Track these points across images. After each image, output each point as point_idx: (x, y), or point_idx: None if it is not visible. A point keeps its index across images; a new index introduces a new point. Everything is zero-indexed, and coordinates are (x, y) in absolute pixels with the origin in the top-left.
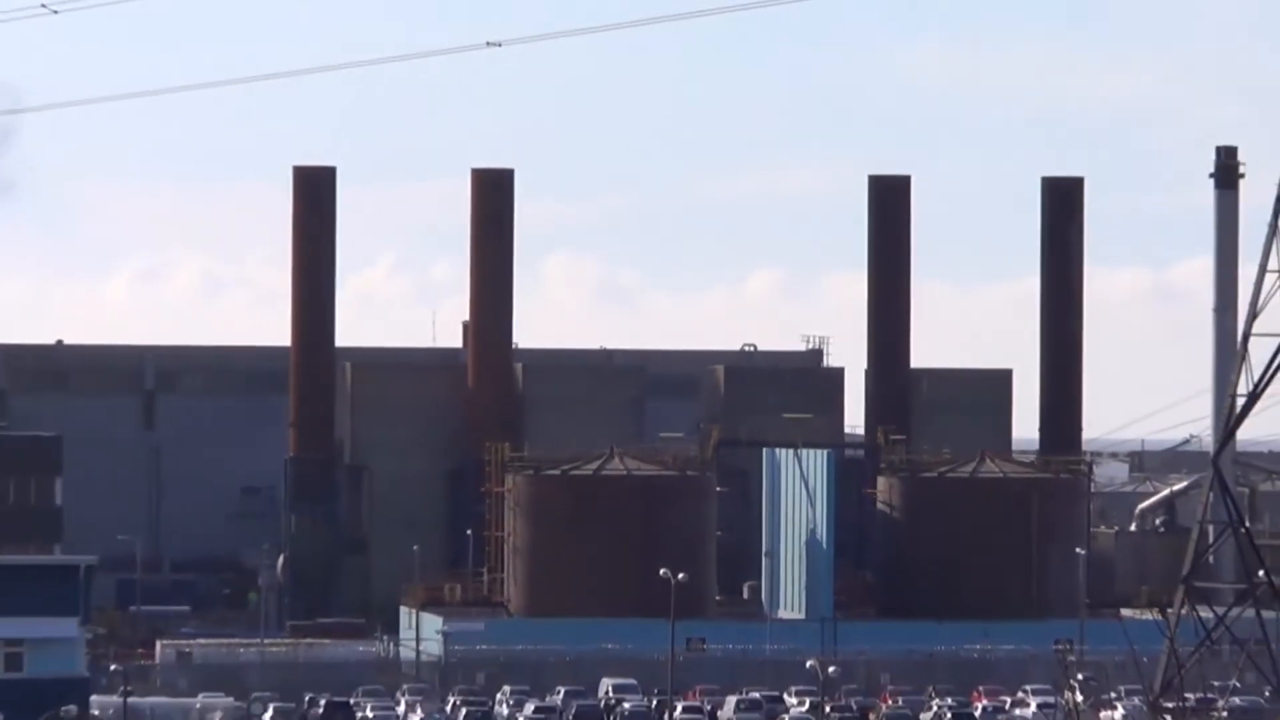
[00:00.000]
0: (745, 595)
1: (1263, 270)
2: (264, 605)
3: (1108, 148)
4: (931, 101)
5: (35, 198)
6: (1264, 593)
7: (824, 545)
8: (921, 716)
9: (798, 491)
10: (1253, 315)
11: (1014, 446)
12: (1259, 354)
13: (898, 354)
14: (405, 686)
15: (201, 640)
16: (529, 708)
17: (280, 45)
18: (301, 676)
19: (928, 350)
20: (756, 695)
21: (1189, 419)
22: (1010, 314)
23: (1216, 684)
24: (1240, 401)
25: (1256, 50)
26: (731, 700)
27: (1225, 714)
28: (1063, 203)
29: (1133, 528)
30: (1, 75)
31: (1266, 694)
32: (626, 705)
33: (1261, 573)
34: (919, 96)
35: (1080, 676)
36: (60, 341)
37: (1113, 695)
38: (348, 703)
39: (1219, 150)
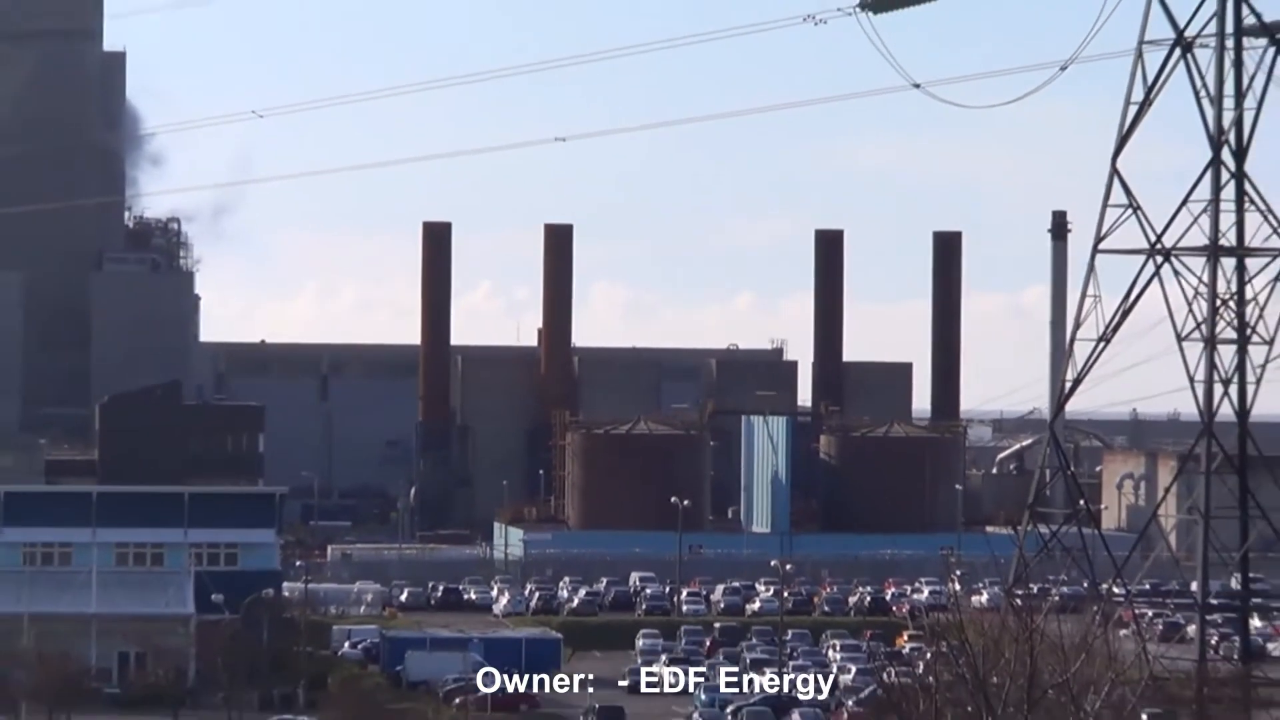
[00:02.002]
0: (729, 516)
1: (1083, 296)
2: (401, 521)
3: (978, 209)
4: (860, 177)
5: (250, 239)
6: (1082, 515)
7: (783, 482)
8: (850, 599)
9: (765, 445)
10: (1076, 326)
11: (913, 416)
12: (1081, 353)
13: (835, 351)
14: (497, 577)
15: (359, 545)
16: (581, 592)
17: (410, 136)
18: (426, 570)
19: (856, 349)
20: (737, 585)
21: (1033, 397)
22: (912, 324)
23: (1050, 578)
24: (1068, 385)
25: (1080, 138)
26: (720, 588)
27: (1057, 599)
28: (947, 247)
29: (994, 471)
30: (234, 154)
31: (1084, 585)
32: (648, 591)
33: (1081, 502)
34: (851, 173)
35: (958, 572)
36: (263, 341)
37: (980, 585)
38: (458, 588)
39: (1054, 213)
